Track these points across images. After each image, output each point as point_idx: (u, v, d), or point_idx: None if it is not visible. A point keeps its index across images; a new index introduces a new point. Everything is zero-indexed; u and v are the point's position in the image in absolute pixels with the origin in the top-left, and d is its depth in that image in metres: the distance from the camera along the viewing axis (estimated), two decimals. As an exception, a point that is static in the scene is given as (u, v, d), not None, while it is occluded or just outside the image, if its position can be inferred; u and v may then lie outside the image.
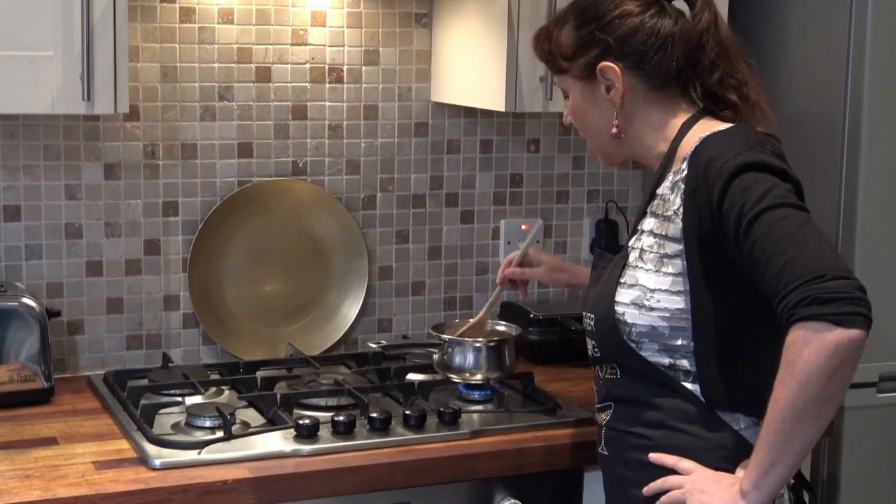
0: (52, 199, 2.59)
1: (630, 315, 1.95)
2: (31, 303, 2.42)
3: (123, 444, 2.20)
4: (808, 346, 1.69)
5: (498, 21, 2.58)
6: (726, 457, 1.91)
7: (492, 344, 2.47)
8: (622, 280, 1.97)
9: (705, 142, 1.91)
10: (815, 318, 1.69)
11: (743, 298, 1.89)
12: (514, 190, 2.99)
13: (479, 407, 2.44)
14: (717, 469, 1.89)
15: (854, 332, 1.69)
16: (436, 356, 2.50)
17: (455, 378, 2.47)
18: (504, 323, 2.60)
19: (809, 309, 1.69)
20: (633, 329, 1.95)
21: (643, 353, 1.95)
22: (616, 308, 1.96)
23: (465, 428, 2.31)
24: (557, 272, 2.45)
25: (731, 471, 1.89)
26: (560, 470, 2.28)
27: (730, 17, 2.74)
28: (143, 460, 2.12)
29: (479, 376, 2.46)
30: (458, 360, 2.45)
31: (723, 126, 1.96)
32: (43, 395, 2.43)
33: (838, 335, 1.68)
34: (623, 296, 1.96)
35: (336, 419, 2.25)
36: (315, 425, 2.22)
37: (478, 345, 2.46)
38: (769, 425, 1.75)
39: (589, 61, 2.00)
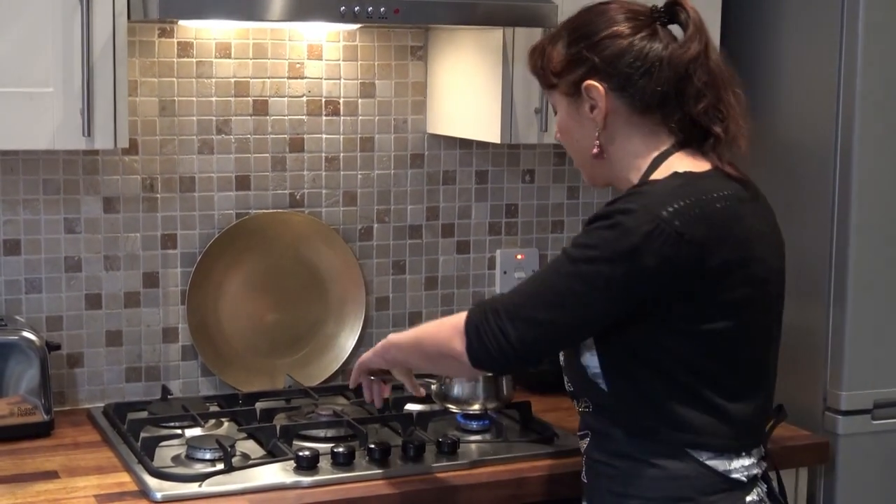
0: (51, 233, 2.61)
1: (588, 358, 1.99)
2: (31, 336, 2.43)
3: (125, 478, 2.21)
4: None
5: (493, 53, 2.60)
6: (691, 486, 1.93)
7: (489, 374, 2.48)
8: None
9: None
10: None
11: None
12: (509, 220, 3.02)
13: (478, 437, 2.45)
14: (679, 499, 1.93)
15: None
16: (433, 387, 2.51)
17: (453, 408, 2.48)
18: (501, 353, 2.61)
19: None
20: (588, 370, 1.99)
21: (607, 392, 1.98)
22: (581, 350, 2.00)
23: (464, 458, 2.32)
24: None
25: (695, 500, 1.93)
26: (559, 499, 2.29)
27: (721, 47, 2.77)
28: (144, 493, 2.13)
29: (476, 406, 2.47)
30: (455, 390, 2.46)
31: (674, 170, 1.96)
32: (43, 429, 2.44)
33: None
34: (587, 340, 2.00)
35: (336, 451, 2.26)
36: (315, 457, 2.23)
37: (475, 375, 2.47)
38: (423, 337, 2.08)
39: (575, 79, 2.00)
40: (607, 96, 1.97)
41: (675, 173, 1.94)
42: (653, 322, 1.90)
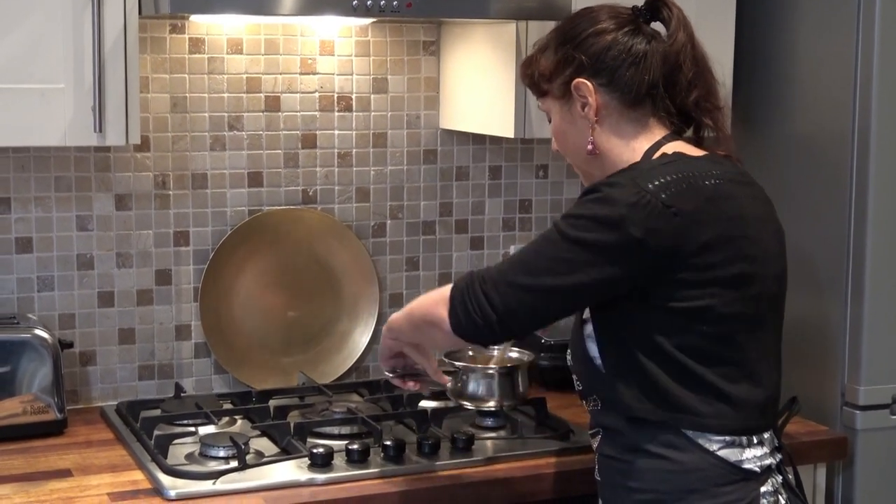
0: (63, 231, 2.60)
1: (591, 349, 1.99)
2: (44, 334, 2.42)
3: (138, 475, 2.20)
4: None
5: (506, 48, 2.59)
6: (703, 477, 1.92)
7: (504, 370, 2.47)
8: (585, 316, 2.01)
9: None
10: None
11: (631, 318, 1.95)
12: (523, 216, 3.00)
13: (493, 434, 2.43)
14: (692, 491, 1.92)
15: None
16: (449, 384, 2.50)
17: (468, 405, 2.46)
18: (517, 349, 2.60)
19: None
20: (593, 361, 1.99)
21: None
22: (586, 343, 2.00)
23: (479, 455, 2.31)
24: None
25: (708, 492, 1.92)
26: (575, 496, 2.27)
27: (737, 37, 2.76)
28: (158, 491, 2.12)
29: (492, 403, 2.45)
30: (471, 387, 2.45)
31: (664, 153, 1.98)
32: (56, 427, 2.43)
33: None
34: (588, 330, 1.99)
35: (350, 448, 2.25)
36: (329, 454, 2.22)
37: (490, 371, 2.45)
38: (414, 306, 2.09)
39: (565, 80, 2.03)
40: (597, 92, 2.00)
41: (665, 154, 1.97)
42: (648, 302, 1.90)
